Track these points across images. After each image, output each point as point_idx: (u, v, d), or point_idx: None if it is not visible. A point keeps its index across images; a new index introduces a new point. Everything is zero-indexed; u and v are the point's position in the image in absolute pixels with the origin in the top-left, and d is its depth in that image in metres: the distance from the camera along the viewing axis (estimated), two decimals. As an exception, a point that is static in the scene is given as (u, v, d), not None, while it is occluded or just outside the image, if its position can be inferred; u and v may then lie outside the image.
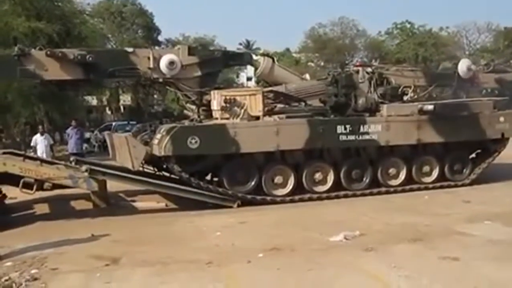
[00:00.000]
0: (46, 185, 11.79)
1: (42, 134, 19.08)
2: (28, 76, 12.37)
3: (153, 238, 9.68)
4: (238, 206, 12.31)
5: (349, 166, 13.30)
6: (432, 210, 11.37)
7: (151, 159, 12.76)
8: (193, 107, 13.72)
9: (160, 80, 13.15)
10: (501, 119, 14.34)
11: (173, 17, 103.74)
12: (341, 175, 13.23)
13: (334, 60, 61.67)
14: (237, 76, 69.97)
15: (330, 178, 13.19)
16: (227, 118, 12.55)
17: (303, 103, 13.97)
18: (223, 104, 12.47)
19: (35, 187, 11.50)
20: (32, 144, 19.24)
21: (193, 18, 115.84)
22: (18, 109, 25.49)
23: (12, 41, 21.33)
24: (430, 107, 13.49)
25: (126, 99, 56.29)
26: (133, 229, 10.50)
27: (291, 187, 12.90)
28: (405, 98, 14.30)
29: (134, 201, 13.86)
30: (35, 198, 12.92)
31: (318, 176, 13.09)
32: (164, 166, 13.36)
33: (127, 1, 55.94)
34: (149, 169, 13.95)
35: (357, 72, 14.20)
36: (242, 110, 12.50)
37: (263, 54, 15.14)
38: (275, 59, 15.47)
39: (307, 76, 16.30)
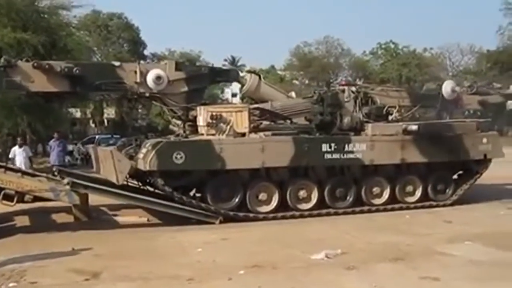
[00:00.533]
0: (27, 197, 11.73)
1: (20, 146, 18.85)
2: (14, 87, 12.27)
3: (134, 253, 9.62)
4: (221, 222, 12.28)
5: (333, 185, 13.34)
6: (413, 229, 11.42)
7: (135, 174, 12.71)
8: (179, 122, 13.71)
9: (147, 94, 13.10)
10: (484, 140, 14.50)
11: (159, 31, 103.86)
12: (325, 193, 13.26)
13: (318, 78, 62.07)
14: (222, 92, 70.06)
15: (314, 196, 13.22)
16: (213, 134, 12.55)
17: (288, 121, 14.02)
18: (209, 120, 12.48)
19: (15, 199, 11.43)
20: (10, 156, 19.04)
21: (179, 33, 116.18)
22: (1, 120, 25.27)
23: (-3, 52, 21.19)
24: (414, 127, 13.61)
25: (110, 112, 56.11)
26: (115, 244, 10.43)
27: (275, 204, 12.91)
28: (389, 118, 14.40)
29: (116, 215, 13.77)
30: (16, 210, 12.78)
31: (302, 193, 13.10)
32: (149, 181, 13.31)
33: (114, 15, 56.01)
34: (133, 183, 13.88)
35: (343, 91, 14.28)
36: (228, 127, 12.51)
37: (249, 71, 15.15)
38: (261, 76, 15.50)
39: (293, 94, 16.36)
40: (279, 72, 70.19)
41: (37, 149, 34.42)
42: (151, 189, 13.68)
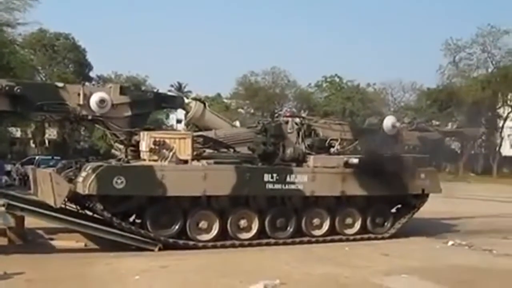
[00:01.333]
0: (-41, 219, 11.31)
1: None
2: None
3: (68, 279, 9.39)
4: (160, 249, 12.13)
5: (274, 215, 13.37)
6: (352, 262, 11.53)
7: (74, 197, 12.49)
8: (121, 146, 13.54)
9: (89, 117, 12.93)
10: (422, 175, 14.82)
11: (106, 54, 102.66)
12: (266, 223, 13.28)
13: (264, 108, 62.58)
14: (167, 118, 69.66)
15: (255, 225, 13.21)
16: (155, 160, 12.46)
17: (232, 150, 14.05)
18: (152, 146, 12.40)
19: None
20: None
21: (126, 57, 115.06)
22: None
23: None
24: (355, 160, 13.84)
25: (51, 133, 55.07)
26: (49, 269, 10.15)
27: (215, 232, 12.84)
28: (331, 150, 14.59)
29: (52, 239, 13.42)
30: None
31: (243, 223, 13.08)
32: (87, 205, 13.05)
33: (61, 34, 55.35)
34: (72, 207, 13.59)
35: (286, 122, 14.46)
36: (171, 153, 12.45)
37: (195, 99, 15.12)
38: (207, 104, 15.48)
39: (237, 123, 16.40)
40: (225, 100, 70.47)
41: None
42: (90, 213, 13.41)
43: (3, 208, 11.36)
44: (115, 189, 11.68)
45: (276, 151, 13.83)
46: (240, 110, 66.42)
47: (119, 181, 11.66)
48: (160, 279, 9.51)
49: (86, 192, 11.57)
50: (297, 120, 14.76)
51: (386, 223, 14.85)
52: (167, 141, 12.54)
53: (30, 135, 54.19)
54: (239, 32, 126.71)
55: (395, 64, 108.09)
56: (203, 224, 12.75)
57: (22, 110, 12.62)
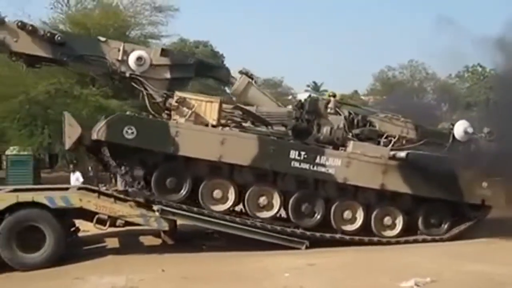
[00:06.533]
0: (118, 222, 12.09)
1: (73, 172, 20.63)
2: None
3: (222, 276, 9.79)
4: (306, 247, 12.20)
5: (299, 198, 12.66)
6: (503, 259, 11.03)
7: (90, 146, 12.64)
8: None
9: (127, 74, 12.92)
10: (484, 184, 13.34)
11: (243, 58, 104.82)
12: (289, 205, 12.63)
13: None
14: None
15: (276, 204, 12.63)
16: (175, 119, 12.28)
17: (270, 127, 13.34)
18: (174, 104, 12.29)
19: (108, 223, 11.84)
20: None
21: (262, 60, 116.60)
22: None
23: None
24: (402, 154, 12.78)
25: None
26: (202, 266, 10.63)
27: (230, 203, 12.42)
28: (382, 144, 13.46)
29: (202, 238, 13.92)
30: (106, 232, 13.19)
31: (262, 200, 12.56)
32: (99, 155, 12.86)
33: (200, 42, 57.35)
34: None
35: (328, 102, 13.65)
36: (189, 112, 12.20)
37: (241, 72, 14.44)
38: (254, 79, 14.49)
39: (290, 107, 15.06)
40: (363, 97, 69.60)
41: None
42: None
43: (157, 213, 11.94)
44: (124, 138, 11.60)
45: (309, 128, 13.07)
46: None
47: (129, 131, 11.59)
48: (309, 276, 9.67)
49: (95, 137, 11.71)
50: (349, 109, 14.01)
51: (443, 224, 13.61)
52: (188, 100, 12.29)
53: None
54: (373, 27, 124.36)
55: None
56: (217, 194, 12.34)
57: (61, 57, 12.75)
